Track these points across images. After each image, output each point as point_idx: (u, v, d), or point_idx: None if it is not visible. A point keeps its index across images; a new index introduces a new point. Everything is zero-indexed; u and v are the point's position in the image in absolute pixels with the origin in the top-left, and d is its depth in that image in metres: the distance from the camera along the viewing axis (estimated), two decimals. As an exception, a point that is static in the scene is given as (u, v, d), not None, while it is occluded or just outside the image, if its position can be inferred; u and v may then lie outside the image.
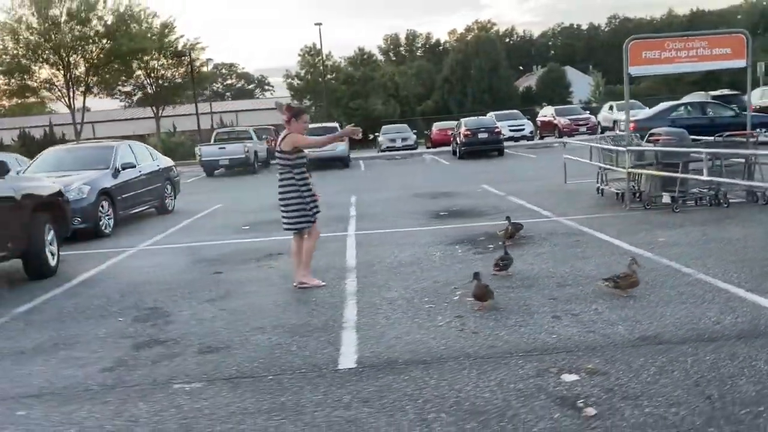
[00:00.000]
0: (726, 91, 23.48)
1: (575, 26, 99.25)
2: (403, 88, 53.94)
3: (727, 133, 9.28)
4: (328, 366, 4.06)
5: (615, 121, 29.60)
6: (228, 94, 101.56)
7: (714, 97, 21.42)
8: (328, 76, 44.32)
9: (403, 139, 30.27)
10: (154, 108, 35.66)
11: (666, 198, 9.25)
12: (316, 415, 3.36)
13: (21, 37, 28.11)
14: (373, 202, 12.41)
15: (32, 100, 30.65)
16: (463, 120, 24.62)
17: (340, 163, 23.51)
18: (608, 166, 10.54)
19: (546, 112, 32.42)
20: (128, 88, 36.27)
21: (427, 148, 33.04)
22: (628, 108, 9.73)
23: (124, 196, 10.99)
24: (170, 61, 34.52)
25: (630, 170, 9.40)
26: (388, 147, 30.19)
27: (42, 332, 5.22)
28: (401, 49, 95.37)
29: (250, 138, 23.97)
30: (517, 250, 6.99)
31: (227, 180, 21.72)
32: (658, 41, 9.36)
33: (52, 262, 7.41)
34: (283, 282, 6.45)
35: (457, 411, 3.28)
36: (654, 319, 4.49)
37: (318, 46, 45.43)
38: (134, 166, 11.50)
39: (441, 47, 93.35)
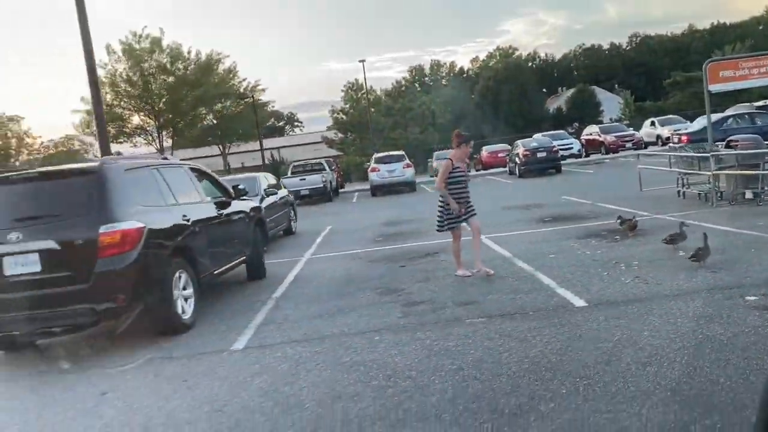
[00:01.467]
0: (768, 102, 24.96)
1: (596, 46, 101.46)
2: (439, 116, 56.20)
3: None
4: (567, 306, 5.77)
5: (658, 136, 31.16)
6: (254, 131, 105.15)
7: (758, 107, 22.93)
8: (372, 109, 46.64)
9: (457, 163, 32.06)
10: (220, 146, 38.55)
11: (749, 194, 10.84)
12: (585, 327, 5.06)
13: (120, 89, 31.04)
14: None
15: (127, 145, 33.57)
16: (520, 141, 26.42)
17: (408, 187, 25.32)
18: (690, 171, 12.18)
19: (591, 131, 34.11)
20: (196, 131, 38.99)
21: (477, 170, 34.80)
22: (710, 121, 11.42)
23: (270, 218, 12.86)
24: (233, 102, 37.21)
25: (716, 173, 11.03)
26: (442, 171, 32.02)
27: (314, 306, 6.99)
28: (426, 78, 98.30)
29: (324, 169, 26.00)
30: (643, 239, 8.66)
31: (310, 208, 23.59)
32: (732, 62, 11.09)
33: (264, 266, 9.24)
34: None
35: (686, 316, 4.96)
36: (791, 267, 6.14)
37: (360, 82, 47.90)
38: (275, 193, 13.43)
39: (465, 75, 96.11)
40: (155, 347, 5.96)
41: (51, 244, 5.57)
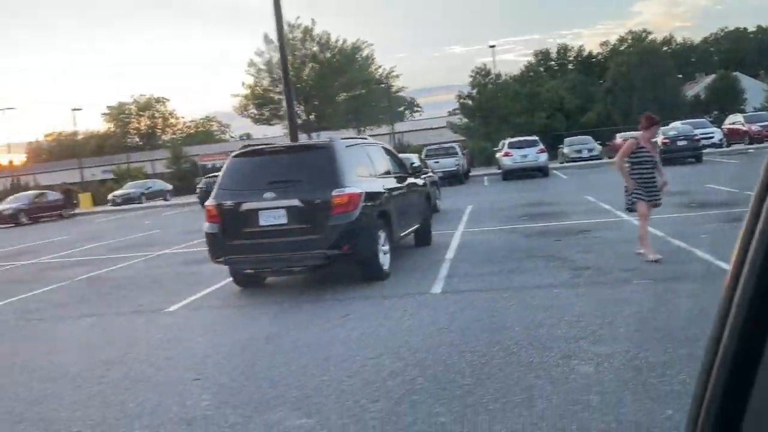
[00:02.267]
0: None
1: (740, 29, 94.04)
2: (568, 102, 55.42)
3: None
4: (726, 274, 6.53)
5: (811, 126, 29.31)
6: (381, 116, 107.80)
7: None
8: (498, 95, 47.02)
9: (589, 150, 32.02)
10: (356, 130, 41.03)
11: None
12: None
13: (275, 76, 34.13)
14: (614, 200, 14.65)
15: (279, 126, 36.70)
16: (659, 129, 26.04)
17: (540, 172, 25.83)
18: None
19: (734, 120, 32.65)
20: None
21: (609, 158, 34.42)
22: None
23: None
24: (370, 89, 39.36)
25: None
26: (573, 158, 32.08)
27: (487, 267, 8.17)
28: (552, 63, 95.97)
29: (456, 153, 27.09)
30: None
31: (445, 189, 24.75)
32: None
33: (431, 234, 10.56)
34: (617, 245, 8.93)
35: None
36: None
37: (488, 67, 48.37)
38: (427, 172, 14.75)
39: (594, 59, 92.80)
40: (365, 290, 7.41)
41: (295, 202, 7.15)
